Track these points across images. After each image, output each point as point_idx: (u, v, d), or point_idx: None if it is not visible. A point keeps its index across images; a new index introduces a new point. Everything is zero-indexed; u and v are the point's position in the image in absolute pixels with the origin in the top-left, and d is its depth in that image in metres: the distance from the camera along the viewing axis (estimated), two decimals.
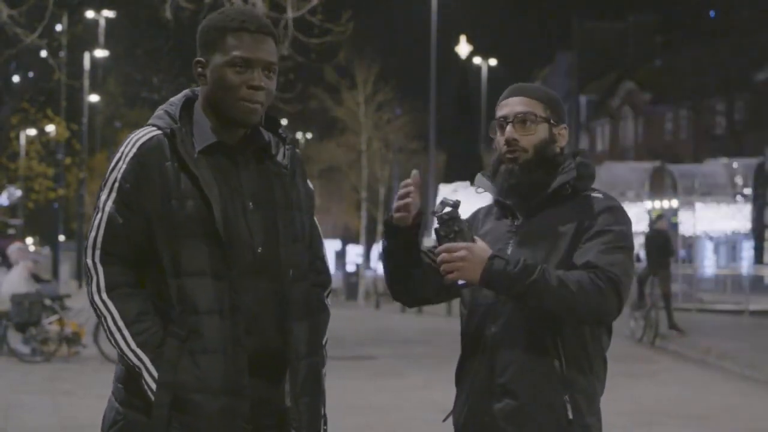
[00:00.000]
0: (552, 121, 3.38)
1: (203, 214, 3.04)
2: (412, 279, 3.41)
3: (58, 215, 40.12)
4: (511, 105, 3.39)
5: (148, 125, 3.17)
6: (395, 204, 3.30)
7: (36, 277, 17.12)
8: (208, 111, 3.15)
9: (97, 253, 3.08)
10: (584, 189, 3.36)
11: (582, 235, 3.26)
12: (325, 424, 3.26)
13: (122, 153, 3.11)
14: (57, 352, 15.56)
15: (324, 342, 3.26)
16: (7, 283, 16.12)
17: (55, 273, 35.09)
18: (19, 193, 42.82)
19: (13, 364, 15.11)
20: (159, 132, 3.11)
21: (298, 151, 3.27)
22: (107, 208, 3.08)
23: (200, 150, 3.11)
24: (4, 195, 43.80)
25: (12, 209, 49.58)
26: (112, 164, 3.12)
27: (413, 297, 3.48)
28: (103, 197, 3.10)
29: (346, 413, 10.89)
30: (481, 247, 3.19)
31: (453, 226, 3.18)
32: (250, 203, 3.12)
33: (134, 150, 3.09)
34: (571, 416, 3.22)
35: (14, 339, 15.86)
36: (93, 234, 3.10)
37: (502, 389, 3.25)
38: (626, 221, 3.33)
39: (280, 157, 3.20)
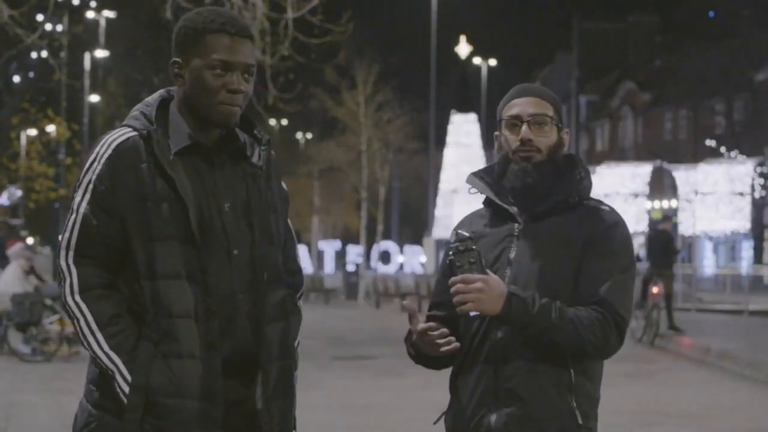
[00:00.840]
0: (559, 125, 3.35)
1: (178, 217, 3.02)
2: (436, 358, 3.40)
3: (59, 215, 40.12)
4: (522, 105, 3.33)
5: (124, 126, 3.14)
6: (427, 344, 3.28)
7: (37, 277, 17.16)
8: (184, 112, 3.12)
9: (71, 254, 3.06)
10: (586, 198, 3.33)
11: (591, 247, 3.24)
12: (294, 427, 3.24)
13: (97, 154, 3.08)
14: (57, 352, 15.59)
15: (296, 344, 3.23)
16: (2, 283, 16.18)
17: (56, 273, 35.06)
18: (19, 193, 42.87)
19: (13, 364, 15.13)
20: (135, 133, 3.08)
21: (272, 152, 3.23)
22: (81, 209, 3.06)
23: (176, 152, 3.08)
24: (5, 195, 43.86)
25: (13, 209, 49.60)
26: (87, 165, 3.09)
27: (442, 365, 3.47)
28: (77, 198, 3.08)
29: (346, 413, 10.92)
30: (497, 279, 3.17)
31: (468, 258, 3.16)
32: (226, 205, 3.10)
33: (109, 151, 3.06)
34: (580, 421, 3.22)
35: (15, 339, 15.89)
36: (67, 235, 3.07)
37: (510, 395, 3.23)
38: (630, 238, 3.34)
39: (255, 159, 3.17)
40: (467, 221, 3.45)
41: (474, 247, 3.18)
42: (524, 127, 3.30)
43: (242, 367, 3.07)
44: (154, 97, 3.19)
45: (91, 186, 3.05)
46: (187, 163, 3.08)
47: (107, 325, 3.01)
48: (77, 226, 3.06)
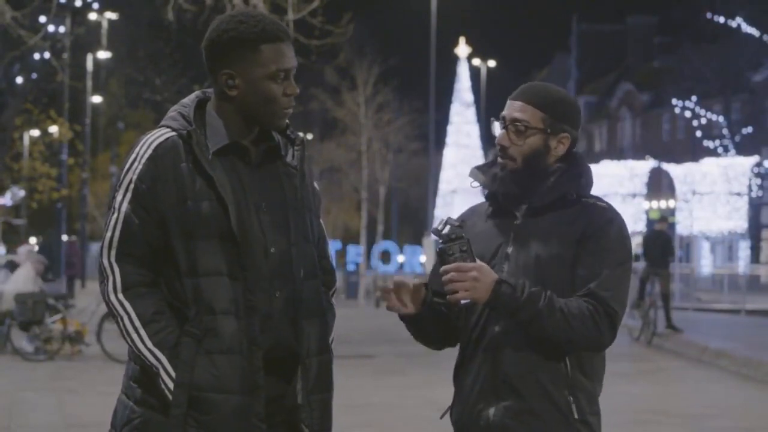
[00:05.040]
0: (549, 131, 3.30)
1: (218, 215, 3.06)
2: (434, 334, 3.46)
3: (62, 215, 40.17)
4: (510, 108, 3.33)
5: (162, 126, 3.16)
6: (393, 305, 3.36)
7: (41, 277, 17.25)
8: (222, 112, 3.15)
9: (113, 252, 3.08)
10: (586, 195, 3.34)
11: (585, 243, 3.26)
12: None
13: (137, 154, 3.10)
14: (60, 351, 15.62)
15: (330, 340, 3.27)
16: (13, 283, 16.25)
17: (58, 273, 35.11)
18: (22, 193, 42.91)
19: (16, 363, 15.19)
20: (174, 133, 3.11)
21: (307, 151, 3.27)
22: (123, 209, 3.08)
23: (214, 151, 3.11)
24: (8, 195, 43.90)
25: (15, 209, 49.63)
26: (128, 165, 3.11)
27: (441, 344, 3.52)
28: (118, 197, 3.10)
29: (346, 411, 10.96)
30: (488, 267, 3.20)
31: (460, 246, 3.17)
32: (263, 203, 3.13)
33: (150, 151, 3.09)
34: (576, 416, 3.25)
35: (18, 338, 15.94)
36: (109, 234, 3.09)
37: (508, 388, 3.26)
38: (628, 235, 3.34)
39: (289, 158, 3.21)
40: (470, 212, 3.48)
41: (464, 234, 3.20)
42: (502, 132, 3.34)
43: (282, 363, 3.12)
44: (191, 98, 3.21)
45: (132, 185, 3.08)
46: (225, 163, 3.12)
47: (150, 322, 3.05)
48: (119, 225, 3.09)
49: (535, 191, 3.31)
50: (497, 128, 3.36)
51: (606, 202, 3.36)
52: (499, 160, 3.35)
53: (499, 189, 3.34)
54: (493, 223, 3.39)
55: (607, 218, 3.29)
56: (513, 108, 3.32)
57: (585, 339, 3.21)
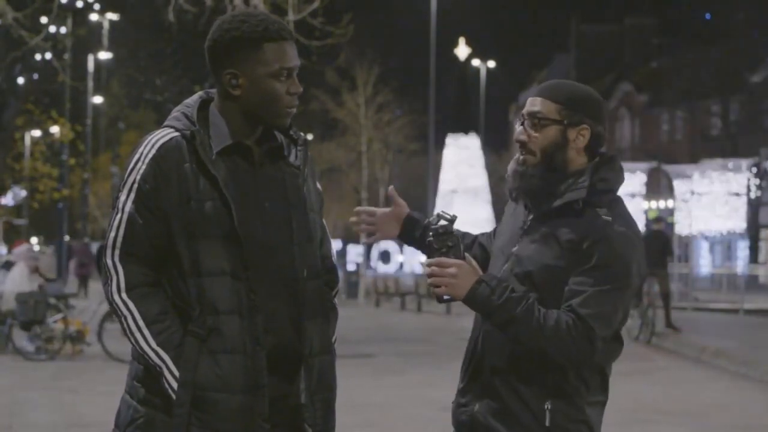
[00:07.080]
0: (566, 122, 3.27)
1: (221, 215, 3.06)
2: None
3: (63, 215, 40.22)
4: (528, 104, 3.33)
5: (166, 126, 3.16)
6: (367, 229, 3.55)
7: (42, 276, 17.31)
8: (225, 113, 3.16)
9: (117, 252, 3.09)
10: (598, 204, 3.25)
11: (576, 257, 3.20)
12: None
13: (141, 154, 3.10)
14: (61, 351, 15.67)
15: (333, 340, 3.28)
16: (10, 282, 16.31)
17: (60, 272, 35.14)
18: (24, 193, 43.02)
19: (18, 362, 15.24)
20: (177, 133, 3.11)
21: (309, 152, 3.28)
22: (127, 209, 3.09)
23: (217, 151, 3.12)
24: (10, 195, 44.00)
25: (17, 209, 49.72)
26: (131, 165, 3.11)
27: None
28: (122, 198, 3.10)
29: (346, 411, 10.94)
30: (472, 266, 3.20)
31: (446, 241, 3.19)
32: (266, 203, 3.14)
33: (153, 151, 3.09)
34: (548, 424, 3.23)
35: (19, 337, 15.98)
36: (113, 234, 3.09)
37: (490, 387, 3.30)
38: (627, 252, 3.22)
39: (292, 158, 3.22)
40: (512, 206, 3.47)
41: (453, 230, 3.22)
42: (519, 128, 3.34)
43: (284, 362, 3.13)
44: (194, 98, 3.23)
45: (135, 186, 3.09)
46: (228, 163, 3.13)
47: (154, 322, 3.06)
48: (123, 225, 3.10)
49: (551, 192, 3.28)
50: (517, 128, 3.37)
51: (613, 216, 3.26)
52: (519, 156, 3.35)
53: (514, 185, 3.35)
54: (517, 220, 3.40)
55: (604, 234, 3.21)
56: (529, 104, 3.34)
57: (559, 352, 3.17)
